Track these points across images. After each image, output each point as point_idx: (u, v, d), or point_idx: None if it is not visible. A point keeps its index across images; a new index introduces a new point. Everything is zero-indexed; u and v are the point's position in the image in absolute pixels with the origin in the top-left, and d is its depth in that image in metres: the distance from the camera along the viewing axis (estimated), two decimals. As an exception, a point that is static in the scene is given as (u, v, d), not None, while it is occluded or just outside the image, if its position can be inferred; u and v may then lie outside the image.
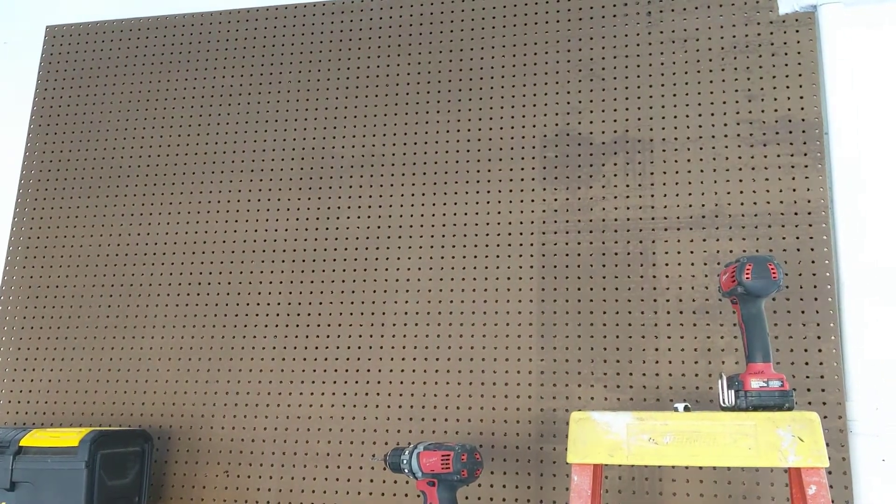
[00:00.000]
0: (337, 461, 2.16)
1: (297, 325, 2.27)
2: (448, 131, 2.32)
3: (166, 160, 2.49)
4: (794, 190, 2.06)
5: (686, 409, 1.51)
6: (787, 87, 2.13)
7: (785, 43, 2.16)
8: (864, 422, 1.91)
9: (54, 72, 2.66)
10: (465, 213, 2.25)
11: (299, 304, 2.29)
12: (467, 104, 2.33)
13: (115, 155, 2.54)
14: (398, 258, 2.26)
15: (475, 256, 2.21)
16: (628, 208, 2.15)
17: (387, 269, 2.26)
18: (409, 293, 2.23)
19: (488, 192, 2.25)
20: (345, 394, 2.20)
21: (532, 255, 2.18)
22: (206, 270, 2.37)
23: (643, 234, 2.12)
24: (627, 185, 2.16)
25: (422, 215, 2.28)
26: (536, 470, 2.04)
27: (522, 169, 2.25)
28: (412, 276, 2.24)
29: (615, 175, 2.18)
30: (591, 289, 2.12)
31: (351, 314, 2.25)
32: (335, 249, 2.31)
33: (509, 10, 2.37)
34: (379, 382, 2.18)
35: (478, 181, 2.27)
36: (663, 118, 2.19)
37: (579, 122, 2.24)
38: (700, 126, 2.16)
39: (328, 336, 2.25)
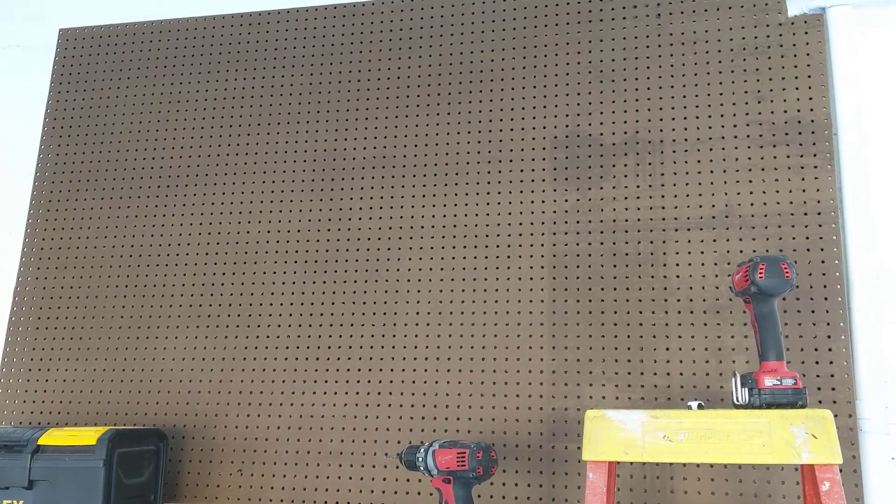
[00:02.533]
0: (350, 459, 2.18)
1: (311, 325, 2.29)
2: (459, 133, 2.34)
3: (179, 162, 2.51)
4: (804, 190, 2.08)
5: (700, 407, 1.52)
6: (797, 88, 2.15)
7: (794, 45, 2.18)
8: (874, 420, 1.92)
9: (67, 74, 2.68)
10: (476, 214, 2.27)
11: (312, 304, 2.31)
12: (478, 106, 2.35)
13: (128, 157, 2.56)
14: (409, 258, 2.28)
15: (486, 257, 2.23)
16: (639, 209, 2.17)
17: (398, 270, 2.28)
18: (420, 293, 2.24)
19: (499, 192, 2.27)
20: (357, 393, 2.21)
21: (543, 256, 2.19)
22: (219, 271, 2.39)
23: (654, 235, 2.14)
24: (638, 186, 2.18)
25: (433, 216, 2.30)
26: (548, 468, 2.05)
27: (533, 170, 2.26)
28: (424, 276, 2.26)
29: (625, 176, 2.20)
30: (602, 289, 2.14)
31: (363, 314, 2.27)
32: (347, 250, 2.33)
33: (519, 12, 2.39)
34: (391, 381, 2.20)
35: (489, 182, 2.28)
36: (673, 119, 2.21)
37: (589, 124, 2.26)
38: (710, 127, 2.18)
39: (341, 335, 2.27)
